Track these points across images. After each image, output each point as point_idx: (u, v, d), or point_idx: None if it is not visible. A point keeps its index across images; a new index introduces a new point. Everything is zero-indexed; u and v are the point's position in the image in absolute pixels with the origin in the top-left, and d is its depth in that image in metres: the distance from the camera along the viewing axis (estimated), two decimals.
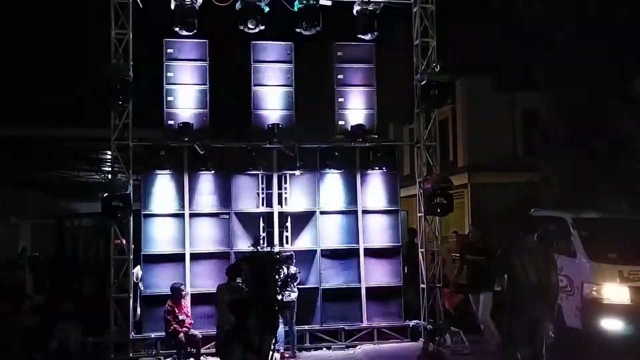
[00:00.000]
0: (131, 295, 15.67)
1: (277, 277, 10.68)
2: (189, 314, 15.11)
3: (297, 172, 16.74)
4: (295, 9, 16.25)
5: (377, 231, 17.20)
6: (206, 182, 16.58)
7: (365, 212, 17.11)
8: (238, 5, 15.92)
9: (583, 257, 15.07)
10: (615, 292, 14.29)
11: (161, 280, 15.76)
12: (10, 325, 14.30)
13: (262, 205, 16.72)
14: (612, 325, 14.14)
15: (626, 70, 22.27)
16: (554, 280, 10.92)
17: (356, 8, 16.74)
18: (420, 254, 17.38)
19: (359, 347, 16.20)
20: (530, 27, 23.33)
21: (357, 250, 16.91)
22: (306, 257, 16.54)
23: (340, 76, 17.41)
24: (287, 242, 16.61)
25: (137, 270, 16.25)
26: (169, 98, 16.51)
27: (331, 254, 16.64)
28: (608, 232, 15.97)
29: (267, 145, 16.48)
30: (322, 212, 16.96)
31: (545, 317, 10.71)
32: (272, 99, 16.94)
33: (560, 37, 22.24)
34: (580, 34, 21.92)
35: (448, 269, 18.76)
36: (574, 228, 15.60)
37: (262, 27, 16.04)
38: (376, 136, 17.52)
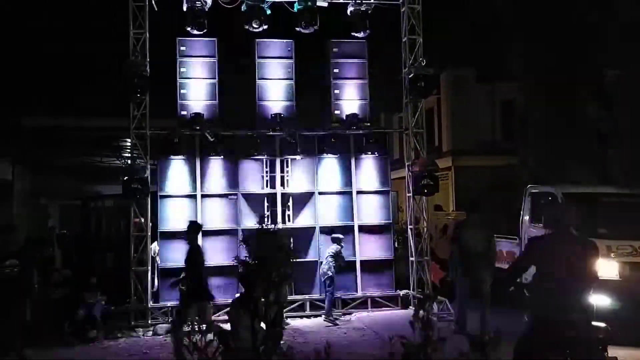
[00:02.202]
0: (149, 268, 15.75)
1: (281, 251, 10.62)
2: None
3: (298, 157, 16.78)
4: (295, 10, 16.28)
5: (370, 210, 17.24)
6: (216, 166, 16.61)
7: (359, 192, 17.16)
8: (243, 7, 15.93)
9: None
10: (603, 267, 11.90)
11: (176, 255, 15.74)
12: (41, 296, 14.30)
13: (267, 186, 16.77)
14: (600, 300, 11.74)
15: (597, 63, 22.32)
16: (491, 248, 13.21)
17: (350, 8, 16.73)
18: (409, 230, 17.42)
19: (354, 314, 16.24)
20: (509, 23, 23.38)
21: (352, 227, 16.97)
22: (306, 234, 16.60)
23: (335, 70, 17.43)
24: (289, 220, 16.67)
25: (155, 246, 16.36)
26: (182, 91, 16.55)
27: (328, 231, 16.61)
28: (598, 206, 14.56)
29: (271, 133, 16.53)
30: (320, 193, 17.02)
31: (485, 277, 12.90)
32: (275, 91, 16.96)
33: (538, 32, 22.27)
34: (556, 29, 21.96)
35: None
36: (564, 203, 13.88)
37: (265, 27, 16.07)
38: (369, 124, 17.57)
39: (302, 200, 16.92)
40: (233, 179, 16.67)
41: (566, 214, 7.38)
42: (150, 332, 14.81)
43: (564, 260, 6.97)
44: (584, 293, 6.96)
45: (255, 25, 15.88)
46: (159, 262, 16.22)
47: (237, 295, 11.96)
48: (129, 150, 19.73)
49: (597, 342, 6.89)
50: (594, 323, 7.15)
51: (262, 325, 10.03)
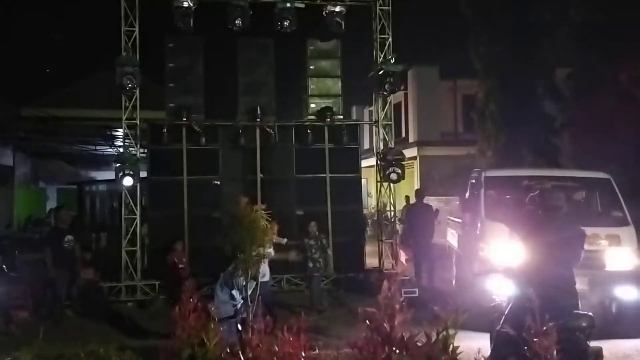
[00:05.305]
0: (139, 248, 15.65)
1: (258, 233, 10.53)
2: (188, 265, 15.07)
3: (276, 146, 16.71)
4: (275, 11, 16.18)
5: (342, 195, 17.14)
6: (200, 153, 16.45)
7: (332, 179, 17.05)
8: (228, 7, 15.81)
9: (482, 215, 12.56)
10: (501, 251, 10.95)
11: (164, 236, 15.69)
12: (40, 271, 14.19)
13: (247, 173, 16.69)
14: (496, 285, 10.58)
15: (549, 61, 22.45)
16: (429, 221, 16.25)
17: (325, 10, 16.66)
18: (377, 214, 17.45)
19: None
20: (469, 23, 23.43)
21: (326, 211, 16.84)
22: (283, 217, 16.49)
23: (312, 67, 17.36)
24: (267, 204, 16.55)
25: (144, 228, 16.21)
26: (170, 84, 16.37)
27: (304, 213, 16.53)
28: (516, 189, 12.04)
29: (251, 123, 16.45)
30: (296, 179, 16.94)
31: (427, 245, 16.18)
32: (256, 85, 16.81)
33: (495, 32, 22.36)
34: (512, 29, 22.07)
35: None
36: (482, 186, 12.94)
37: (248, 26, 15.94)
38: (341, 116, 17.49)
39: (280, 185, 16.85)
40: (216, 165, 16.56)
41: (555, 199, 6.91)
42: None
43: (550, 244, 6.61)
44: (569, 278, 6.63)
45: (238, 24, 15.78)
46: (147, 242, 16.11)
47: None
48: (121, 139, 19.59)
49: (581, 330, 6.36)
50: (579, 311, 6.69)
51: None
